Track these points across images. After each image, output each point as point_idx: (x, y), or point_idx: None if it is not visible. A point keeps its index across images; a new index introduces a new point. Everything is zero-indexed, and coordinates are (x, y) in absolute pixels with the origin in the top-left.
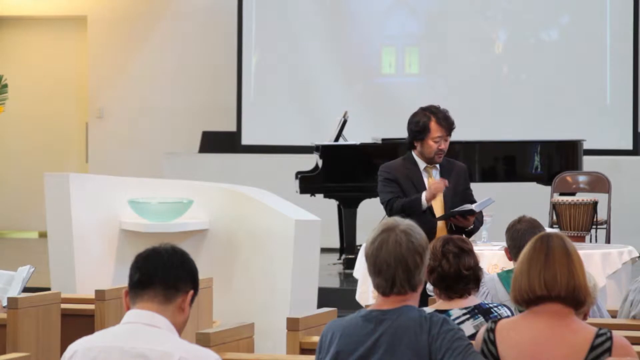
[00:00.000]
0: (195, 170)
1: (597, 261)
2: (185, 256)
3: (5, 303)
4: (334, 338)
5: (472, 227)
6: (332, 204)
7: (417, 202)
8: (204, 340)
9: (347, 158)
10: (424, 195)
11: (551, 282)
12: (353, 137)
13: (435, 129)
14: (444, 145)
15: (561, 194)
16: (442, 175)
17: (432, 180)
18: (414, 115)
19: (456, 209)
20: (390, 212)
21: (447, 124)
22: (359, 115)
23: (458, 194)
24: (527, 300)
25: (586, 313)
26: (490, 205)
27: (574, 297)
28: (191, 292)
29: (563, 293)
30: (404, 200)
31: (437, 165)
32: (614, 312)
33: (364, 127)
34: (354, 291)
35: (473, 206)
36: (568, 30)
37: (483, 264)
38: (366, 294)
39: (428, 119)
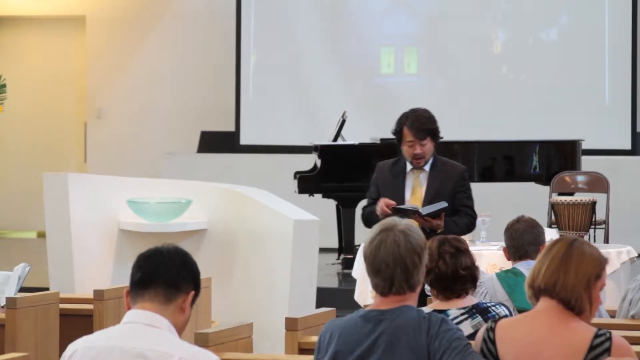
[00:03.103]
0: (194, 170)
1: None
2: (187, 256)
3: (3, 303)
4: (332, 338)
5: (441, 230)
6: (331, 204)
7: (374, 213)
8: (202, 340)
9: (345, 158)
10: (377, 206)
11: (536, 273)
12: (352, 137)
13: (406, 133)
14: (420, 150)
15: (560, 194)
16: (429, 176)
17: (383, 202)
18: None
19: (401, 206)
20: (362, 218)
21: (417, 129)
22: (357, 115)
23: (444, 197)
24: (527, 290)
25: None
26: (489, 205)
27: (557, 294)
28: (192, 292)
29: (543, 286)
30: (368, 210)
31: (426, 168)
32: (613, 311)
33: (363, 127)
34: (352, 291)
35: (422, 208)
36: (567, 31)
37: (482, 264)
38: (365, 293)
39: (402, 124)
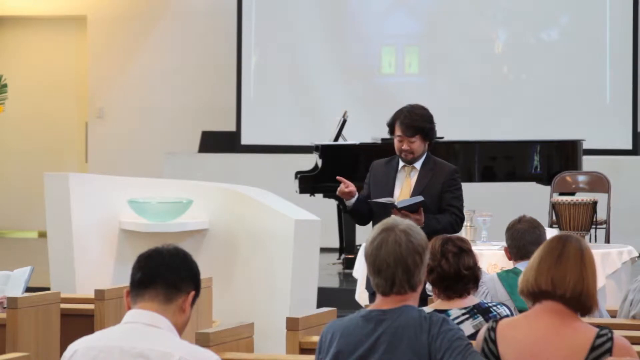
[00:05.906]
0: (195, 170)
1: (597, 261)
2: (187, 257)
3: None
4: (333, 338)
5: (422, 225)
6: (332, 204)
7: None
8: (203, 340)
9: (346, 158)
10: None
11: (559, 280)
12: (353, 136)
13: (397, 128)
14: (407, 146)
15: (561, 194)
16: (419, 174)
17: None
18: None
19: (379, 199)
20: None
21: (406, 125)
22: (358, 115)
23: (432, 195)
24: (531, 293)
25: None
26: (490, 205)
27: (579, 301)
28: (192, 292)
29: (568, 294)
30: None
31: (417, 166)
32: (614, 312)
33: (364, 127)
34: (353, 291)
35: (397, 201)
36: (568, 30)
37: (483, 263)
38: (366, 293)
39: (396, 118)
